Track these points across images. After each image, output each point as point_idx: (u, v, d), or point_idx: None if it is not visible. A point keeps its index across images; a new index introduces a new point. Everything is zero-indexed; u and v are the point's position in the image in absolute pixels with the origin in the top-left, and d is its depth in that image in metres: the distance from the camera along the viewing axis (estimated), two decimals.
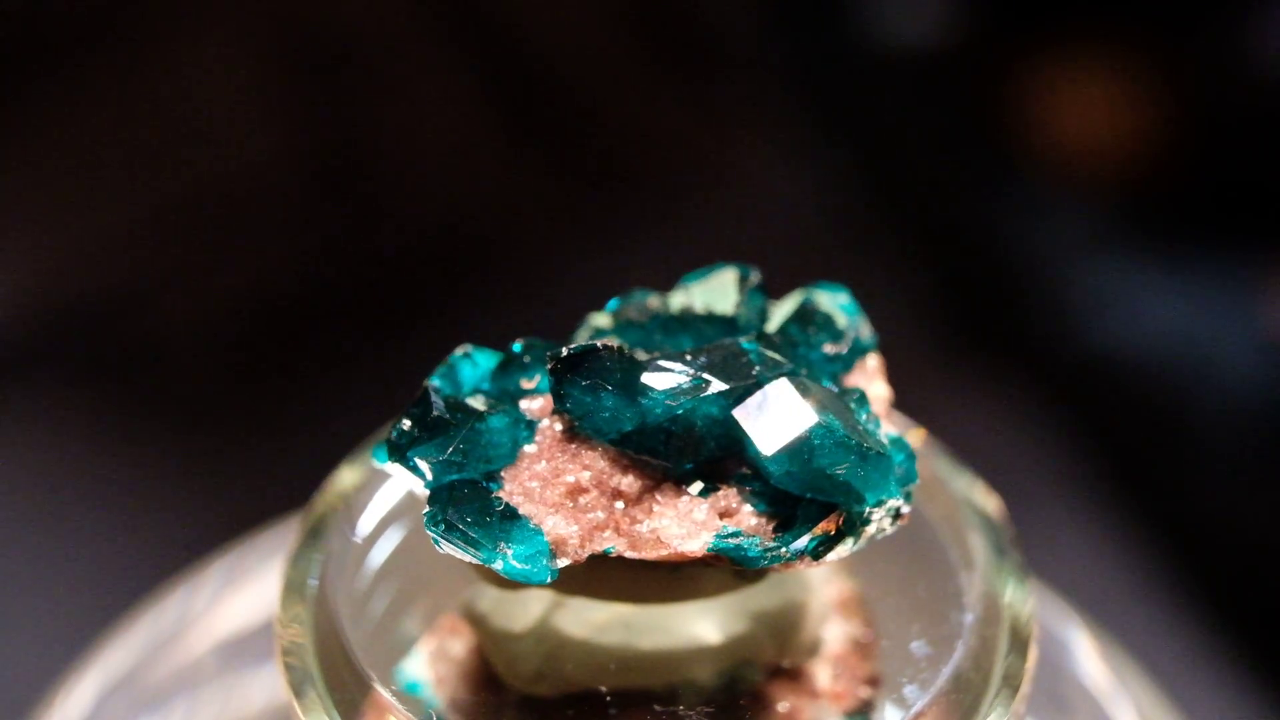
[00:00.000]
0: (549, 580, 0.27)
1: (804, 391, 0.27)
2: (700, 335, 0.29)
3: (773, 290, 0.30)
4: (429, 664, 0.30)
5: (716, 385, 0.27)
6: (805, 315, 0.29)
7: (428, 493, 0.28)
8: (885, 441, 0.28)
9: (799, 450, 0.27)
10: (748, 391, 0.28)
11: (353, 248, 0.68)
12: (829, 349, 0.29)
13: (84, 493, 0.60)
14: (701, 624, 0.30)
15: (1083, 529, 0.61)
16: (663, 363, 0.28)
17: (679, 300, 0.30)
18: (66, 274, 0.65)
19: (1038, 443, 0.63)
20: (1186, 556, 0.60)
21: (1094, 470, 0.62)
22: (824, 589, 0.31)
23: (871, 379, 0.30)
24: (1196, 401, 0.63)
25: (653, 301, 0.30)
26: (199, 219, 0.67)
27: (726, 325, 0.29)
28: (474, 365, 0.29)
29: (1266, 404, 0.62)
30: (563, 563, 0.27)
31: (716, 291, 0.30)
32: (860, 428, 0.28)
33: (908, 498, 0.28)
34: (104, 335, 0.64)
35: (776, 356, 0.28)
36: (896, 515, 0.28)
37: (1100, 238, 0.67)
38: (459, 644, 0.30)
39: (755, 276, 0.30)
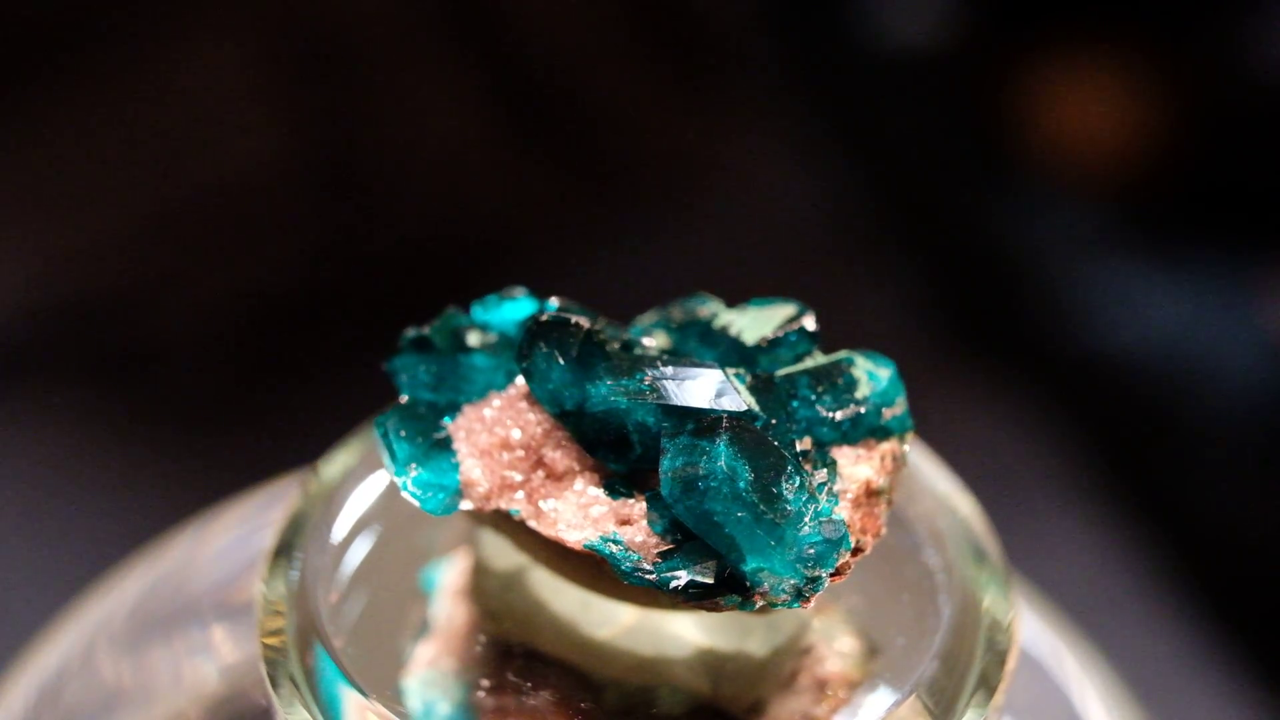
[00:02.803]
0: (438, 513, 0.28)
1: (737, 435, 0.27)
2: (723, 357, 0.29)
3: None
4: (456, 572, 0.31)
5: (658, 397, 0.28)
6: (826, 372, 0.29)
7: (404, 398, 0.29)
8: (809, 518, 0.27)
9: (694, 485, 0.27)
10: (687, 414, 0.27)
11: (353, 248, 0.68)
12: (822, 412, 0.28)
13: (83, 492, 0.60)
14: (658, 632, 0.29)
15: (1080, 530, 0.61)
16: (631, 360, 0.28)
17: (726, 317, 0.30)
18: (66, 274, 0.65)
19: (1036, 442, 0.63)
20: (1185, 557, 0.60)
21: (1092, 471, 0.62)
22: (803, 641, 0.30)
23: (864, 460, 0.28)
24: (1195, 401, 0.63)
25: (702, 310, 0.30)
26: (199, 219, 0.68)
27: (747, 355, 0.29)
28: (512, 307, 0.30)
29: (1266, 404, 0.62)
30: (466, 505, 0.28)
31: (760, 321, 0.29)
32: (778, 492, 0.27)
33: (815, 583, 0.27)
34: (103, 335, 0.64)
35: (750, 398, 0.28)
36: (799, 595, 0.27)
37: (1099, 237, 0.67)
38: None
39: (809, 320, 0.29)
